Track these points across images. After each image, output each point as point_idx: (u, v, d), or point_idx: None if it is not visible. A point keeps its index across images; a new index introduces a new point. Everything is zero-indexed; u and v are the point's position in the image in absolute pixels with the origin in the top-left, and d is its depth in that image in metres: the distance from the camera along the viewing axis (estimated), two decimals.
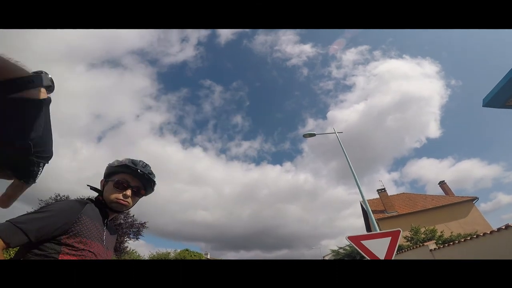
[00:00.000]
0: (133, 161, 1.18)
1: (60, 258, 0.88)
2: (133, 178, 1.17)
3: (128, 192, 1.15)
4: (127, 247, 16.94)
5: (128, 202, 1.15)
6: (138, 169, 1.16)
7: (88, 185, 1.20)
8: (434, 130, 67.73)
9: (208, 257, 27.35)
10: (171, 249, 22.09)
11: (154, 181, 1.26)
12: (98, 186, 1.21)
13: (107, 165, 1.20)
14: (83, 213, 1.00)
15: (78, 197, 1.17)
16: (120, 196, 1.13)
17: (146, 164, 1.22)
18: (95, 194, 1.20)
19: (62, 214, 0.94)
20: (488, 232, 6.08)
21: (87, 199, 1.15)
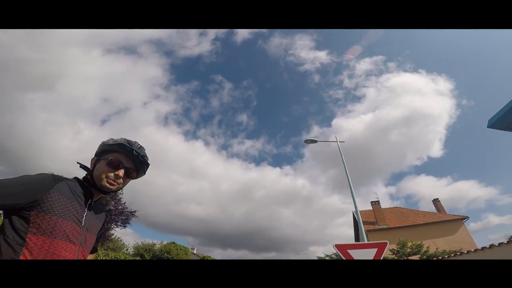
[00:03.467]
0: (129, 141, 1.12)
1: (27, 238, 0.83)
2: (127, 159, 1.12)
3: (121, 172, 1.09)
4: (112, 234, 16.80)
5: (118, 183, 1.10)
6: (133, 150, 1.11)
7: (78, 162, 1.14)
8: (436, 150, 66.75)
9: (195, 252, 27.31)
10: (157, 241, 22.05)
11: (148, 164, 1.20)
12: (89, 165, 1.15)
13: (100, 143, 1.14)
14: (55, 189, 0.93)
15: (58, 174, 1.09)
16: (112, 176, 1.07)
17: (141, 146, 1.17)
18: (84, 173, 1.14)
19: (29, 185, 0.88)
20: (472, 250, 6.14)
21: (73, 178, 1.09)
